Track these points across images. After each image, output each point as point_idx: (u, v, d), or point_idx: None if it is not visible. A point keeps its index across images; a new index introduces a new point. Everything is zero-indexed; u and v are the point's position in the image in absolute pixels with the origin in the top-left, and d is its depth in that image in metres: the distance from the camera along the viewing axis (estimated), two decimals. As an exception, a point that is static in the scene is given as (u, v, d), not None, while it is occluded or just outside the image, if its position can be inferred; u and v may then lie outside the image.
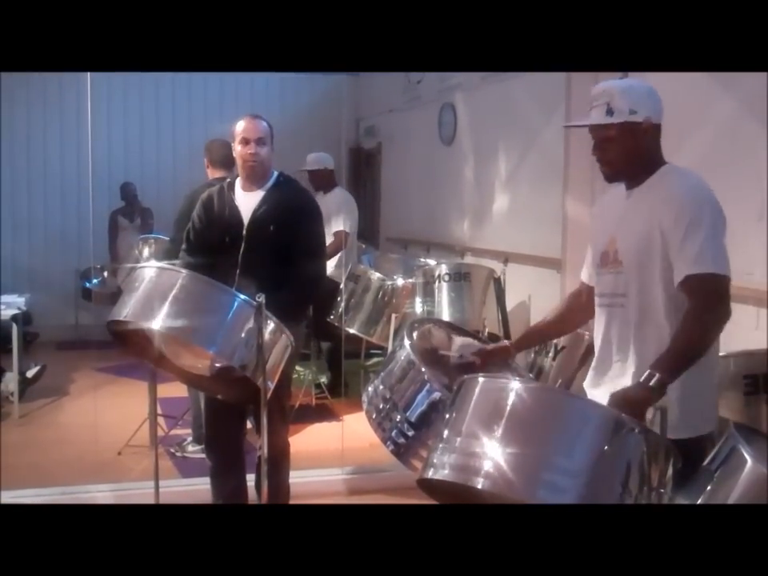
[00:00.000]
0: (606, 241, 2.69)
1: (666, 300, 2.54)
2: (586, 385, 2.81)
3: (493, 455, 2.00)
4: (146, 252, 6.71)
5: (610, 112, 2.54)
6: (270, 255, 3.75)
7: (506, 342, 3.11)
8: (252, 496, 3.94)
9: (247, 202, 3.83)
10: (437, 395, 2.67)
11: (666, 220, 2.49)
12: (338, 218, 6.59)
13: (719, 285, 2.45)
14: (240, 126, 3.82)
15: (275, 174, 3.90)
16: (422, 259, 7.34)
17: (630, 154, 2.58)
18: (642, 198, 2.61)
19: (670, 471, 2.12)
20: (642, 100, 2.57)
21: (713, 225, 2.48)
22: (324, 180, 6.84)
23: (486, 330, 5.72)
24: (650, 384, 2.30)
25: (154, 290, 3.10)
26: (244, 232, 3.79)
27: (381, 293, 6.33)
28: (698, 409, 2.55)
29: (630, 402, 2.27)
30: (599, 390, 2.68)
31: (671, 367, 2.37)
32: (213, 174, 5.11)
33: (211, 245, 3.87)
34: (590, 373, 2.80)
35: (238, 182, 3.91)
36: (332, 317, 6.45)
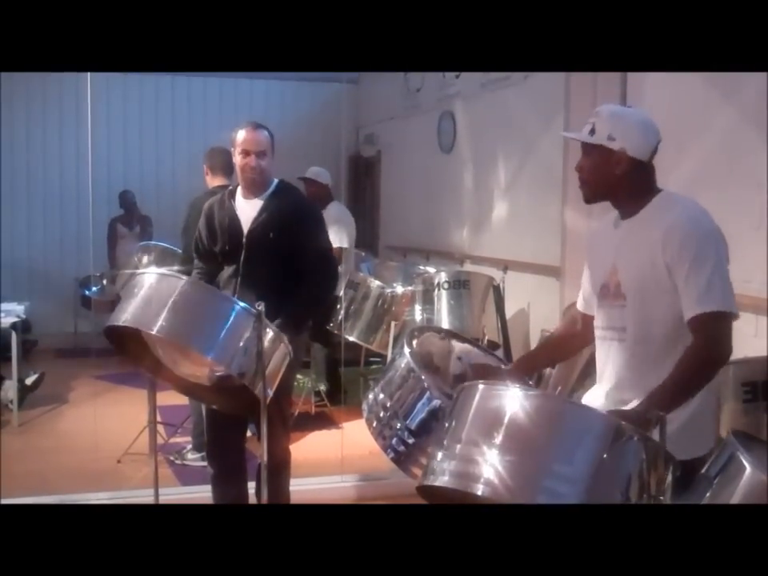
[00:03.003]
0: (606, 273, 2.66)
1: (668, 334, 2.52)
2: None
3: (493, 462, 2.00)
4: (145, 260, 6.71)
5: (592, 131, 2.54)
6: (270, 263, 3.76)
7: (503, 368, 3.01)
8: (253, 503, 3.95)
9: (247, 209, 3.84)
10: (436, 403, 2.67)
11: (670, 252, 2.45)
12: (333, 234, 6.56)
13: (725, 323, 2.44)
14: (240, 137, 3.81)
15: (275, 181, 3.91)
16: (422, 267, 7.34)
17: (600, 179, 2.57)
18: (641, 229, 2.57)
19: (669, 479, 2.12)
20: (626, 131, 2.53)
21: (718, 258, 2.46)
22: (320, 194, 6.82)
23: (486, 337, 5.73)
24: (645, 416, 2.31)
25: (154, 295, 3.09)
26: (244, 240, 3.80)
27: (380, 300, 6.33)
28: (705, 428, 2.54)
29: None
30: None
31: (668, 402, 2.38)
32: (213, 181, 5.12)
33: (214, 253, 3.90)
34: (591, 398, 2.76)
35: (239, 190, 3.92)
36: (331, 324, 6.45)
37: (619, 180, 2.56)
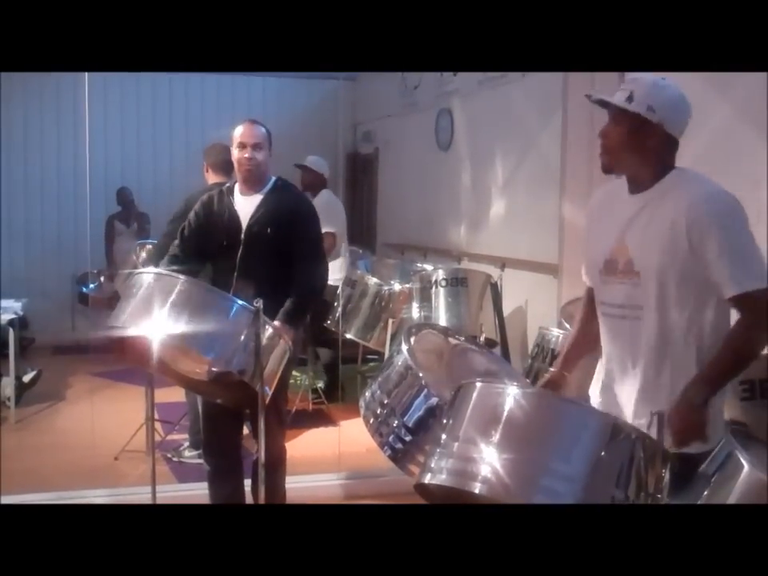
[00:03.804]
0: (612, 247, 2.60)
1: (689, 314, 2.49)
2: (593, 394, 2.76)
3: (490, 460, 2.00)
4: (143, 257, 6.71)
5: (630, 99, 2.47)
6: (267, 259, 3.77)
7: (558, 372, 2.87)
8: (248, 501, 3.95)
9: (245, 206, 3.85)
10: (434, 400, 2.67)
11: (697, 230, 2.41)
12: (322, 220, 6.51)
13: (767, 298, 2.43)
14: (238, 131, 3.86)
15: (273, 178, 3.93)
16: (419, 264, 7.34)
17: (630, 148, 2.51)
18: (657, 205, 2.51)
19: (667, 476, 2.12)
20: (666, 104, 2.48)
21: (749, 234, 2.44)
22: (314, 183, 6.82)
23: (483, 335, 5.72)
24: (696, 400, 2.33)
25: (152, 296, 3.10)
26: (242, 236, 3.80)
27: (378, 298, 6.33)
28: (717, 422, 2.53)
29: (686, 423, 2.34)
30: (615, 407, 2.61)
31: (719, 381, 2.41)
32: (212, 178, 5.10)
33: (210, 248, 3.90)
34: (600, 385, 2.72)
35: (237, 187, 3.94)
36: (329, 322, 6.45)
37: (648, 153, 2.51)
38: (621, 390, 2.62)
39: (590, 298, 2.82)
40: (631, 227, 2.56)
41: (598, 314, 2.72)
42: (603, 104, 2.58)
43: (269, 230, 3.79)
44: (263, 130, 3.89)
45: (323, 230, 6.47)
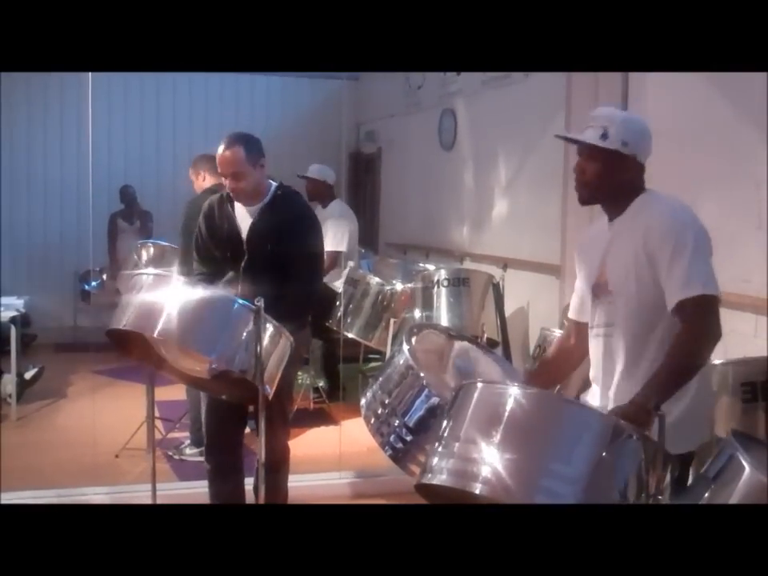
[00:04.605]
0: (597, 273, 2.72)
1: (657, 327, 2.57)
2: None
3: (491, 461, 2.00)
4: (144, 256, 6.71)
5: (604, 136, 2.58)
6: (270, 268, 3.74)
7: None
8: (250, 499, 3.95)
9: (245, 216, 3.84)
10: (435, 400, 2.67)
11: (651, 244, 2.52)
12: (332, 236, 6.49)
13: (710, 306, 2.48)
14: (217, 156, 3.78)
15: (273, 185, 3.89)
16: (421, 264, 7.33)
17: (606, 182, 2.62)
18: (624, 227, 2.65)
19: (668, 478, 2.12)
20: (636, 137, 2.62)
21: (697, 246, 2.50)
22: (321, 193, 6.82)
23: (485, 335, 5.71)
24: (646, 405, 2.32)
25: (153, 296, 3.10)
26: (244, 247, 3.80)
27: (380, 297, 6.32)
28: (698, 422, 2.54)
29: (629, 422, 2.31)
30: None
31: (664, 389, 2.41)
32: (209, 181, 5.08)
33: (215, 257, 3.90)
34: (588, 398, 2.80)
35: None
36: (331, 321, 6.45)
37: (623, 183, 2.63)
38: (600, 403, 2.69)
39: (566, 336, 2.98)
40: (609, 251, 2.69)
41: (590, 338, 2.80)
42: (576, 142, 2.69)
43: (268, 244, 3.77)
44: (239, 150, 3.71)
45: (334, 248, 6.47)
